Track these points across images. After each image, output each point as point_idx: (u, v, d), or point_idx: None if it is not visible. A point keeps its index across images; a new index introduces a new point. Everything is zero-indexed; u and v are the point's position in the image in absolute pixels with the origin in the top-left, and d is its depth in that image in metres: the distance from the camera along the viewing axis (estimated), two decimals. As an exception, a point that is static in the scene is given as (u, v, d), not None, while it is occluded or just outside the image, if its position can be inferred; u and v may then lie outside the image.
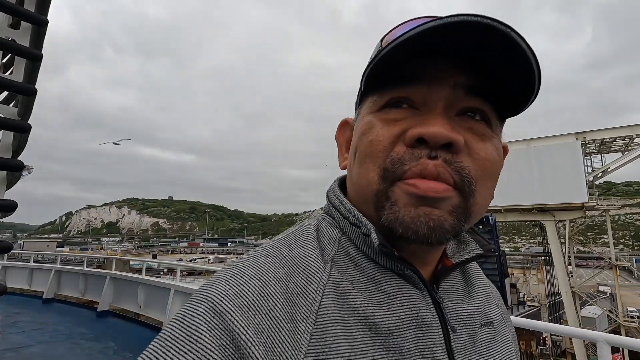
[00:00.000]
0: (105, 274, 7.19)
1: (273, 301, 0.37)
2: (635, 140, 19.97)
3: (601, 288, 42.47)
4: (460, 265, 0.50)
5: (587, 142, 19.97)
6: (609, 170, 20.82)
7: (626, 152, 20.25)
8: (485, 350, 0.48)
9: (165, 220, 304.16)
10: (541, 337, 21.83)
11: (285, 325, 0.36)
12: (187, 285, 5.73)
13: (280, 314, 0.36)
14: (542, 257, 24.60)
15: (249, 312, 0.35)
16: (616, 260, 24.60)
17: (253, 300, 0.36)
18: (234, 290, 0.37)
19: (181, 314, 0.36)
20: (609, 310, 25.64)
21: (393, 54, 0.38)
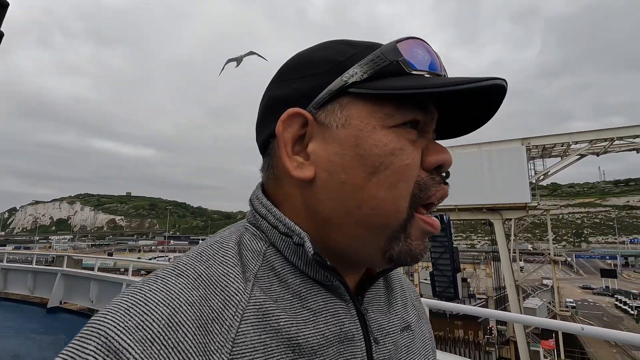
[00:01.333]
0: (56, 271, 7.04)
1: (183, 331, 0.33)
2: (571, 147, 22.08)
3: (545, 281, 46.43)
4: (385, 272, 0.49)
5: (531, 147, 21.78)
6: (549, 173, 22.80)
7: (564, 157, 22.35)
8: (405, 355, 0.49)
9: (123, 217, 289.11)
10: (488, 327, 23.54)
11: (197, 358, 0.32)
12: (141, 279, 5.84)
13: (191, 346, 0.32)
14: (491, 253, 26.46)
15: (153, 348, 0.31)
16: (554, 255, 26.99)
17: (159, 332, 0.32)
18: (135, 321, 0.32)
19: (66, 355, 0.30)
20: (549, 302, 28.11)
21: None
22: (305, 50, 0.46)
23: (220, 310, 0.35)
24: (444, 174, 0.43)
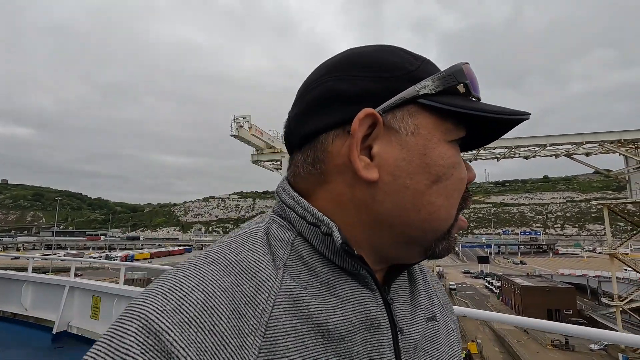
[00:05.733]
0: None
1: (218, 314, 0.34)
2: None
3: (436, 268, 53.51)
4: (410, 265, 0.51)
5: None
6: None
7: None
8: (429, 345, 0.50)
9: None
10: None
11: (232, 340, 0.33)
12: None
13: (225, 329, 0.34)
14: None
15: (190, 330, 0.32)
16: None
17: (195, 315, 0.33)
18: (172, 305, 0.33)
19: (108, 336, 0.32)
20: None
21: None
22: (364, 49, 0.46)
23: (252, 295, 0.36)
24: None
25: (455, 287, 52.56)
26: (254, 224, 0.46)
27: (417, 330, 0.49)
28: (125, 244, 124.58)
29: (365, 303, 0.42)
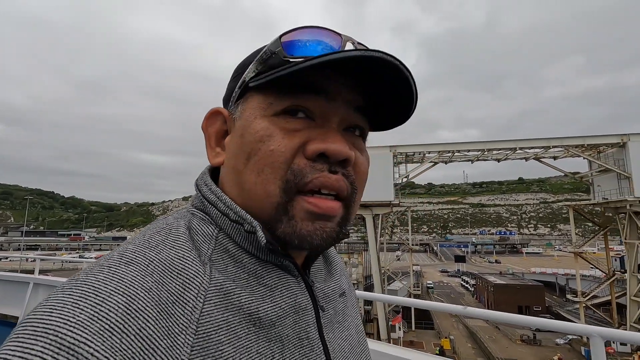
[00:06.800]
0: None
1: (144, 317, 0.31)
2: (426, 155, 26.89)
3: (415, 267, 54.78)
4: (325, 249, 0.52)
5: (397, 153, 25.82)
6: (409, 177, 27.33)
7: (422, 163, 27.08)
8: (342, 317, 0.55)
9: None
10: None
11: (161, 342, 0.32)
12: None
13: (154, 331, 0.31)
14: (364, 244, 30.36)
15: (113, 338, 0.29)
16: (411, 245, 32.44)
17: (117, 321, 0.30)
18: (88, 313, 0.29)
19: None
20: (410, 285, 33.59)
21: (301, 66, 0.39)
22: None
23: (180, 293, 0.35)
24: (344, 164, 0.44)
25: (432, 285, 53.82)
26: (172, 219, 0.45)
27: (333, 306, 0.53)
28: (100, 245, 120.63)
29: (292, 288, 0.45)
